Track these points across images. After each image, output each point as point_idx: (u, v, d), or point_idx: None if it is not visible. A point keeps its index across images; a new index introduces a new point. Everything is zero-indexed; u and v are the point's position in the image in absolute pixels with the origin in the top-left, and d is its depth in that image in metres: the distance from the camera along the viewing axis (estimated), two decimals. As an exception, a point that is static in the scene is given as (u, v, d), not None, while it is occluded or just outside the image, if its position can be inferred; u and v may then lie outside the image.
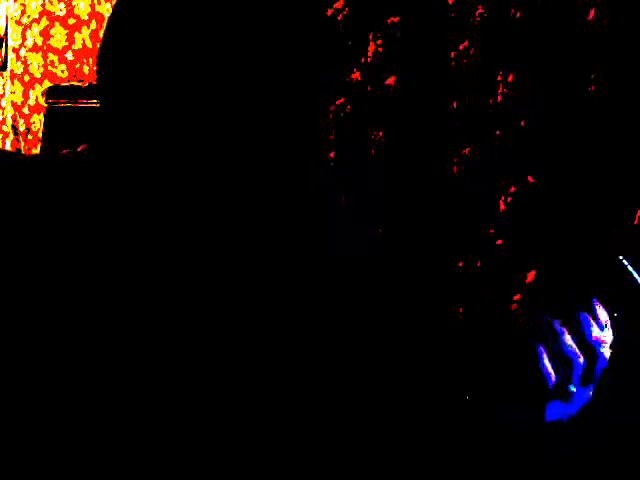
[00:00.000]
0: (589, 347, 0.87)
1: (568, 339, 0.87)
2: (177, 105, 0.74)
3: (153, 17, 0.75)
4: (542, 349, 0.87)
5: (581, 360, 0.87)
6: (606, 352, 0.87)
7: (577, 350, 0.87)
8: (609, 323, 0.87)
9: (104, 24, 0.80)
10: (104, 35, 0.80)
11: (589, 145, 1.95)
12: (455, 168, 2.23)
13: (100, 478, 0.74)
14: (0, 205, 0.77)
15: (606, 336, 0.87)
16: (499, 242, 2.14)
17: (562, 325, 0.87)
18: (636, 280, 0.86)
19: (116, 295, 0.75)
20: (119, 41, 0.78)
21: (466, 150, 2.21)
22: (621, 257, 0.87)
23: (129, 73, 0.76)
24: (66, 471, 0.73)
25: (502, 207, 2.13)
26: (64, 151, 0.84)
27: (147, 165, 0.76)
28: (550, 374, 0.87)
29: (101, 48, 0.80)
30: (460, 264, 2.20)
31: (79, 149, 0.83)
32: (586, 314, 0.87)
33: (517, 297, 2.08)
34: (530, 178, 2.07)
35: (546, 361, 0.87)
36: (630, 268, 0.86)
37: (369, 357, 0.85)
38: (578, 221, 1.96)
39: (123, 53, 0.77)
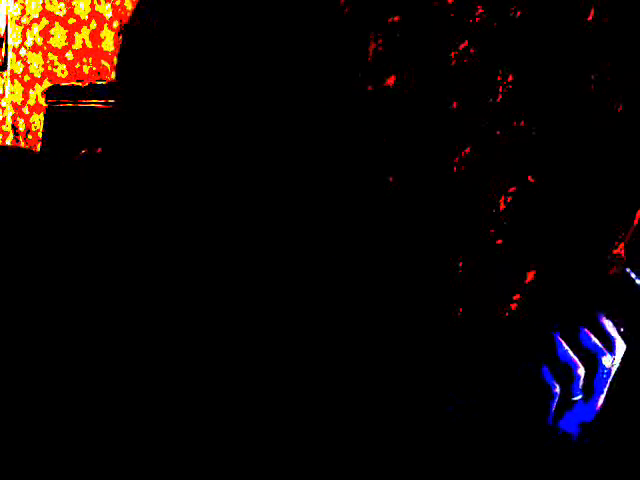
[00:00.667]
0: (589, 357, 0.87)
1: (567, 349, 0.87)
2: (194, 108, 0.75)
3: (170, 20, 0.76)
4: (543, 359, 0.87)
5: (581, 371, 0.87)
6: (606, 362, 0.87)
7: (577, 360, 0.87)
8: (616, 335, 0.87)
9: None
10: (122, 40, 0.80)
11: (589, 145, 1.95)
12: (455, 168, 2.23)
13: (100, 478, 0.74)
14: (17, 205, 0.77)
15: (614, 346, 0.87)
16: (499, 242, 2.14)
17: (561, 336, 0.87)
18: None
19: (135, 296, 0.75)
20: (138, 44, 0.78)
21: (466, 150, 2.21)
22: (628, 270, 0.86)
23: (148, 77, 0.76)
24: (66, 471, 0.73)
25: (502, 207, 2.13)
26: (82, 152, 0.84)
27: (166, 167, 0.77)
28: (553, 384, 0.87)
29: (120, 51, 0.80)
30: (460, 264, 2.20)
31: (97, 151, 0.83)
32: (583, 326, 0.88)
33: (517, 297, 2.08)
34: (530, 178, 2.07)
35: (548, 371, 0.87)
36: (638, 281, 0.86)
37: (367, 358, 0.85)
38: (578, 221, 1.97)
39: (142, 55, 0.77)
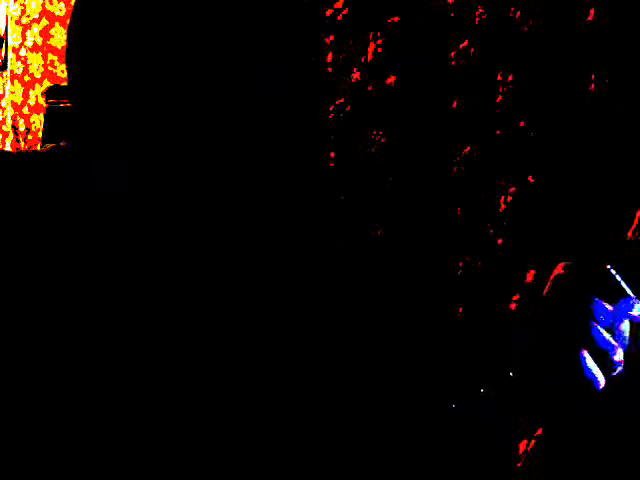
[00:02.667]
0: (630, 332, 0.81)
1: (601, 330, 0.80)
2: (157, 102, 0.74)
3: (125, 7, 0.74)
4: (582, 351, 0.80)
5: (618, 356, 0.80)
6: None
7: (612, 341, 0.80)
8: None
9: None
10: (69, 29, 0.78)
11: (589, 145, 1.95)
12: (455, 168, 2.23)
13: (100, 478, 0.74)
14: None
15: None
16: (499, 242, 2.14)
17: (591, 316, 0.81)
18: (623, 289, 0.83)
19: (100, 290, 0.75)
20: (86, 34, 0.76)
21: (466, 150, 2.21)
22: (609, 266, 0.84)
23: (100, 67, 0.75)
24: (66, 471, 0.73)
25: (502, 207, 2.13)
26: (46, 146, 0.83)
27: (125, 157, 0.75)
28: (597, 379, 0.80)
29: (68, 42, 0.78)
30: (460, 264, 2.20)
31: (61, 144, 0.82)
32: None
33: (517, 297, 2.08)
34: (530, 178, 2.07)
35: (590, 363, 0.80)
36: (618, 277, 0.84)
37: (367, 356, 0.85)
38: (578, 221, 1.96)
39: (91, 46, 0.75)
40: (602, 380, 0.79)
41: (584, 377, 0.78)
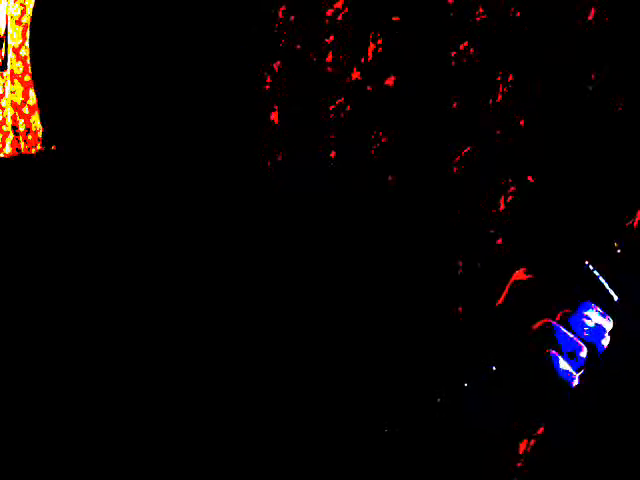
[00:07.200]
0: (588, 338, 0.85)
1: (567, 333, 0.85)
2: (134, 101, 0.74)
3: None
4: (553, 351, 0.84)
5: (584, 353, 0.85)
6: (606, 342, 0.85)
7: (579, 342, 0.85)
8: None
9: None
10: (30, 31, 0.79)
11: (589, 145, 1.95)
12: (455, 168, 2.23)
13: (100, 478, 0.74)
14: None
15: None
16: (499, 242, 2.14)
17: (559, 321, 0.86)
18: (606, 289, 0.85)
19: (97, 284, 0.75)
20: (46, 35, 0.76)
21: (466, 150, 2.21)
22: (590, 265, 0.86)
23: (61, 69, 0.75)
24: (66, 471, 0.73)
25: (502, 207, 2.13)
26: (36, 149, 0.84)
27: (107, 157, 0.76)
28: (571, 375, 0.83)
29: (29, 52, 0.79)
30: (460, 264, 2.20)
31: (52, 148, 0.83)
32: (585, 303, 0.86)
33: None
34: (530, 178, 2.07)
35: (562, 363, 0.84)
36: (599, 276, 0.85)
37: (366, 358, 0.85)
38: (579, 221, 1.97)
39: (47, 52, 0.75)
40: (576, 377, 0.82)
41: (558, 377, 0.82)
